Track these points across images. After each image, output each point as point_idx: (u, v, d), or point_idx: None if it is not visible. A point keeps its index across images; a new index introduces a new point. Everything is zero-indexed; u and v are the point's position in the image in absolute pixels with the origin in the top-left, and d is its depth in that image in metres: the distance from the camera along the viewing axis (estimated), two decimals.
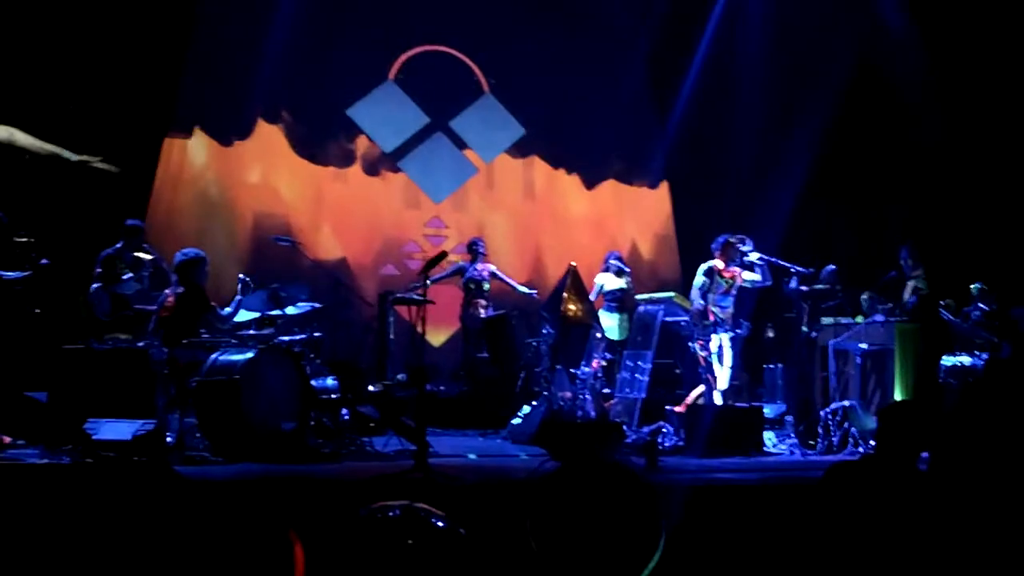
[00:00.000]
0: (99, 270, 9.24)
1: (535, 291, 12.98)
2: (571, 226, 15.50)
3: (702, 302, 10.29)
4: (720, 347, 10.34)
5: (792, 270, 10.56)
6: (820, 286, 11.24)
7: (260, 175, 13.78)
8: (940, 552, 3.71)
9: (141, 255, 9.82)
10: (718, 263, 10.41)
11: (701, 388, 10.39)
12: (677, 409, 10.24)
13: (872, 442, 8.68)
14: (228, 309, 8.90)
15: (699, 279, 10.40)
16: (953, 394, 10.27)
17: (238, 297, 8.90)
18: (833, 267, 11.51)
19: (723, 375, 10.32)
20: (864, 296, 11.15)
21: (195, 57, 12.98)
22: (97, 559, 1.72)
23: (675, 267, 15.50)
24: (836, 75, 13.46)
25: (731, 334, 10.39)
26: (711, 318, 10.25)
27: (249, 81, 13.18)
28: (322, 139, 14.27)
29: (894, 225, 13.20)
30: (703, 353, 10.32)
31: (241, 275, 9.10)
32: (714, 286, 10.37)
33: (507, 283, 12.73)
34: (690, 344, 10.52)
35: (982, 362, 10.24)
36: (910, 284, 11.28)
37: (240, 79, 13.18)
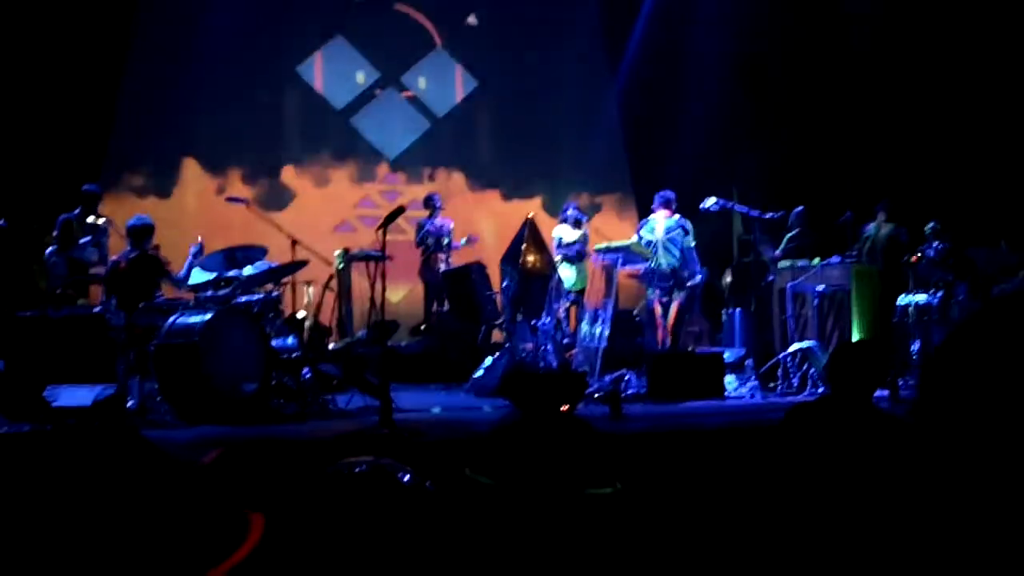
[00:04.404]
0: (56, 234, 9.16)
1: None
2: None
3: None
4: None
5: (759, 216, 10.64)
6: (794, 231, 11.34)
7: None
8: (901, 492, 3.76)
9: (98, 221, 9.75)
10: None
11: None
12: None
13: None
14: (181, 272, 8.89)
15: (687, 239, 10.61)
16: (907, 332, 10.40)
17: (189, 260, 8.90)
18: (801, 208, 11.56)
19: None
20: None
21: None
22: (62, 525, 1.71)
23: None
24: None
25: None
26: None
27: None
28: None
29: (849, 167, 13.27)
30: (664, 300, 10.51)
31: (199, 238, 9.09)
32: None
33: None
34: (652, 293, 10.62)
35: (937, 300, 10.35)
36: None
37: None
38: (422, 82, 15.03)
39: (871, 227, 11.54)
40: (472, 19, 15.24)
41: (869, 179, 12.65)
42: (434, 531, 2.29)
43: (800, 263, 10.70)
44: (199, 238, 9.09)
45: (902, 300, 10.57)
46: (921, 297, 10.49)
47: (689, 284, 10.75)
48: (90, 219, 9.84)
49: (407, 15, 14.93)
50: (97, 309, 8.55)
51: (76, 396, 7.66)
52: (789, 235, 11.56)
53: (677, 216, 10.69)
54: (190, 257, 8.94)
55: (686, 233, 10.63)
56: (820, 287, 10.27)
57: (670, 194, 10.80)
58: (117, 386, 7.85)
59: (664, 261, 10.54)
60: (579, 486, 2.36)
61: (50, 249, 9.12)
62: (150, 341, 8.17)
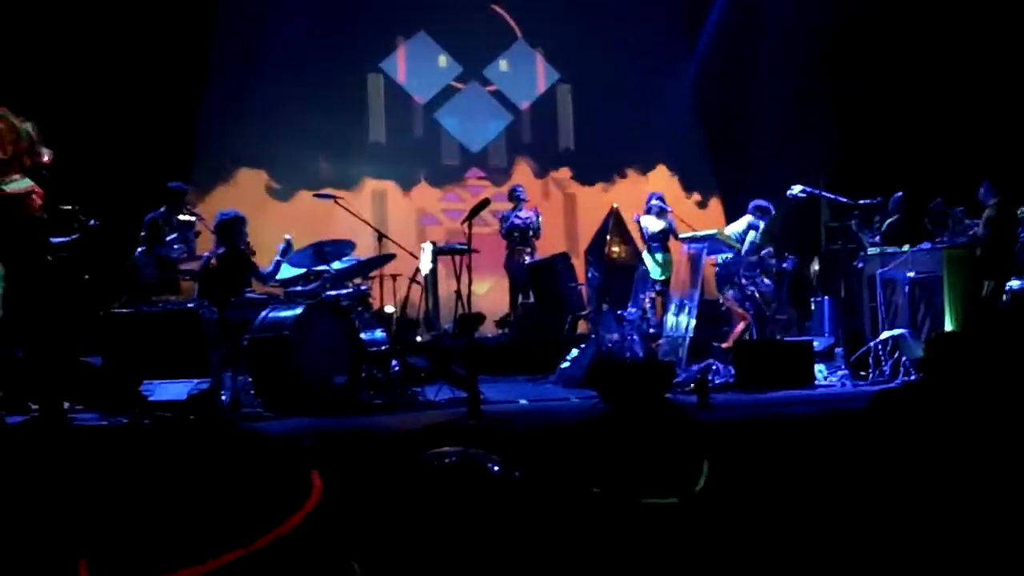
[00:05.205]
0: (144, 234, 9.34)
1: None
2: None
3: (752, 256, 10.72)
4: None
5: (853, 203, 10.54)
6: (893, 217, 11.13)
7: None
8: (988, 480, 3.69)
9: (185, 217, 9.92)
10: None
11: (742, 324, 10.46)
12: (723, 346, 10.28)
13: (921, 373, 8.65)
14: (269, 268, 9.03)
15: (752, 235, 10.75)
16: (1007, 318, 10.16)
17: (277, 258, 9.03)
18: (900, 194, 11.35)
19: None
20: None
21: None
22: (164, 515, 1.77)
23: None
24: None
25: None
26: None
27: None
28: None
29: (937, 151, 13.02)
30: (751, 289, 10.45)
31: (287, 236, 9.20)
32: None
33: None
34: (738, 280, 10.58)
35: None
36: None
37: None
38: (504, 74, 15.08)
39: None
40: None
41: (957, 163, 12.38)
42: (524, 521, 2.31)
43: (889, 249, 10.52)
44: (286, 236, 9.19)
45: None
46: (1016, 283, 10.26)
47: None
48: (181, 216, 10.01)
49: (489, 8, 14.99)
50: (190, 305, 8.72)
51: (172, 391, 7.85)
52: (889, 220, 11.32)
53: (751, 218, 10.77)
54: (277, 255, 9.05)
55: (753, 230, 10.70)
56: (911, 273, 10.10)
57: (767, 205, 10.87)
58: (211, 380, 8.00)
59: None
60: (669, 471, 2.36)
61: (139, 249, 9.30)
62: (242, 335, 8.31)
